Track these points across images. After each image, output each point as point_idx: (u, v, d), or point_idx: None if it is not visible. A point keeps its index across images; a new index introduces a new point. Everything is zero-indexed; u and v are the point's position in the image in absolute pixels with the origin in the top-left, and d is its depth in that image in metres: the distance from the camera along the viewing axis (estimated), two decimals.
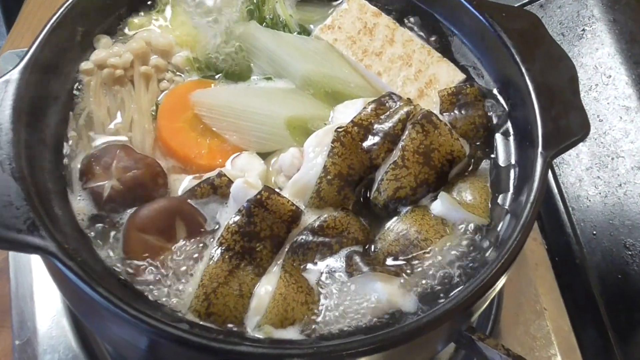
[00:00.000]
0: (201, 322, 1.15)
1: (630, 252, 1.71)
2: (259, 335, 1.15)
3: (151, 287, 1.20)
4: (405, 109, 1.39)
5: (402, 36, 1.57)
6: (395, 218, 1.33)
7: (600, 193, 1.80)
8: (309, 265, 1.26)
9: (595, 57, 1.89)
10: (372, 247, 1.29)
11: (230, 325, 1.17)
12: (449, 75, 1.53)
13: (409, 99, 1.47)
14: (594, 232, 1.80)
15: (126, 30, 1.57)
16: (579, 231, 1.81)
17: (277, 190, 1.30)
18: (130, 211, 1.31)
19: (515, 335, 1.63)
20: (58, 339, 1.55)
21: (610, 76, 1.85)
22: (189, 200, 1.32)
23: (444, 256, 1.25)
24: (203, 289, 1.18)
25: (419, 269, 1.23)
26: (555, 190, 1.90)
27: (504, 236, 1.25)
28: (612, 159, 1.79)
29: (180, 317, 1.16)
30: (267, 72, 1.56)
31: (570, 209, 1.85)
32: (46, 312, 1.57)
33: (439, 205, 1.31)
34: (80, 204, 1.31)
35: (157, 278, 1.21)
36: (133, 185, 1.32)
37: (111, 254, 1.25)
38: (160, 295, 1.19)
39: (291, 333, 1.15)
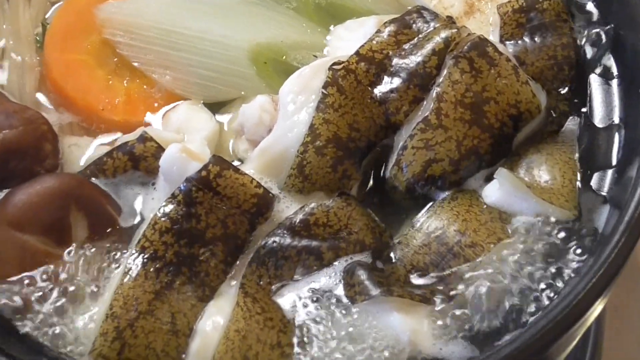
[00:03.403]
0: None
1: None
2: None
3: (31, 318, 1.20)
4: (444, 34, 1.37)
5: None
6: (425, 210, 1.32)
7: None
8: (285, 285, 1.25)
9: None
10: (388, 256, 1.28)
11: None
12: None
13: (449, 17, 1.44)
14: None
15: None
16: None
17: (235, 163, 1.29)
18: None
19: None
20: None
21: None
22: (92, 180, 1.32)
23: (502, 271, 1.23)
24: (114, 322, 1.17)
25: (462, 292, 1.22)
26: None
27: (601, 238, 1.24)
28: None
29: None
30: None
31: None
32: None
33: (497, 190, 1.29)
34: None
35: (40, 304, 1.21)
36: (3, 154, 1.32)
37: None
38: (45, 331, 1.19)
39: None
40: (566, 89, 1.41)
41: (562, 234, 1.26)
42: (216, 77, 1.44)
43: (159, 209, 1.23)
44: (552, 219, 1.27)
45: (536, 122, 1.36)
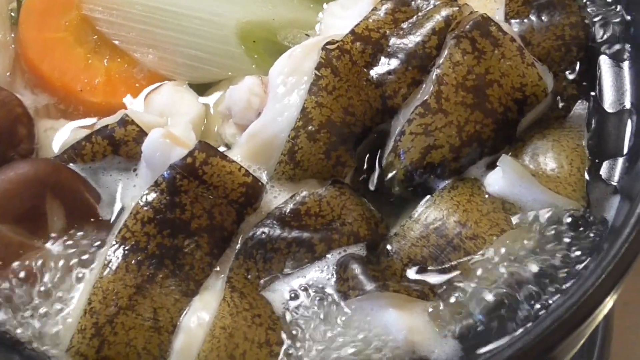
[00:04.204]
0: None
1: None
2: None
3: (3, 314, 1.19)
4: (444, 13, 1.36)
5: None
6: (424, 200, 1.31)
7: None
8: (274, 279, 1.24)
9: None
10: (384, 248, 1.27)
11: None
12: None
13: None
14: None
15: None
16: None
17: (221, 148, 1.29)
18: None
19: None
20: None
21: None
22: (70, 165, 1.31)
23: (505, 266, 1.22)
24: (92, 318, 1.16)
25: (462, 288, 1.21)
26: None
27: (611, 231, 1.23)
28: None
29: None
30: None
31: None
32: None
33: (500, 179, 1.28)
34: None
35: (13, 299, 1.20)
36: None
37: None
38: (18, 327, 1.19)
39: None
40: (574, 71, 1.40)
41: (569, 226, 1.25)
42: (203, 57, 1.43)
43: (141, 197, 1.22)
44: (559, 210, 1.26)
45: (542, 106, 1.35)
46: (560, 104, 1.38)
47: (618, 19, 1.43)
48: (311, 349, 1.17)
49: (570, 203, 1.26)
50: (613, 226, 1.23)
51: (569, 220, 1.26)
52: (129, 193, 1.30)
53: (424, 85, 1.32)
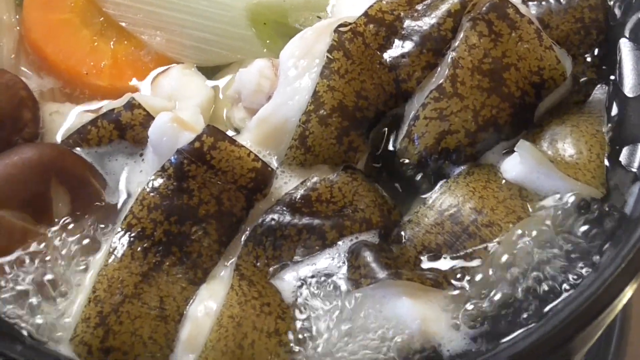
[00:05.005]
0: None
1: None
2: None
3: (6, 302, 1.19)
4: None
5: None
6: (438, 186, 1.30)
7: None
8: (284, 267, 1.23)
9: None
10: (397, 235, 1.26)
11: None
12: None
13: None
14: None
15: None
16: None
17: (230, 133, 1.29)
18: None
19: None
20: None
21: None
22: (76, 150, 1.31)
23: (521, 254, 1.21)
24: (97, 306, 1.16)
25: (477, 277, 1.20)
26: None
27: (631, 219, 1.22)
28: None
29: (55, 354, 1.15)
30: None
31: None
32: None
33: (517, 165, 1.28)
34: None
35: (16, 287, 1.20)
36: None
37: None
38: (20, 316, 1.18)
39: None
40: (594, 54, 1.40)
41: (588, 214, 1.24)
42: (212, 39, 1.43)
43: (148, 183, 1.22)
44: (578, 197, 1.25)
45: (560, 90, 1.34)
46: (579, 89, 1.38)
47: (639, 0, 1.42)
48: (321, 338, 1.17)
49: (590, 190, 1.25)
50: (633, 213, 1.23)
51: (588, 207, 1.25)
52: (135, 178, 1.30)
53: (438, 69, 1.32)
